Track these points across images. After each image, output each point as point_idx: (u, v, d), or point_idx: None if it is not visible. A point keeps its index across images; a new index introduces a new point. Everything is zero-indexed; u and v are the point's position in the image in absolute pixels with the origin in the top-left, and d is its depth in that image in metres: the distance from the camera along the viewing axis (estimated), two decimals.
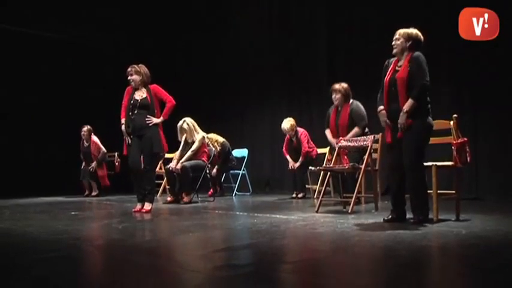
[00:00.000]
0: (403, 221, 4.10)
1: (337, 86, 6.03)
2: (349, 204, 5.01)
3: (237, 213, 5.31)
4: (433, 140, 4.20)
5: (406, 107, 3.94)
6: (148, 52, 9.62)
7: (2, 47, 9.21)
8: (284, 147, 7.79)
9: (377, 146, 5.79)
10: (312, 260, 2.85)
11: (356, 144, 5.43)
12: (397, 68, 4.14)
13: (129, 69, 5.58)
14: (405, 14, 6.84)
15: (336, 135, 5.97)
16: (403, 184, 4.14)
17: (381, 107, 4.19)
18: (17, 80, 9.42)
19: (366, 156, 5.20)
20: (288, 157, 7.70)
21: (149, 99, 5.47)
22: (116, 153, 8.79)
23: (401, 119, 3.97)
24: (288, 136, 7.72)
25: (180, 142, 7.23)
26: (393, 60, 4.23)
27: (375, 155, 5.77)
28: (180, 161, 6.92)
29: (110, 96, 8.63)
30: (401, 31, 4.16)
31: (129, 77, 5.56)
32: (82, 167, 8.87)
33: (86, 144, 8.85)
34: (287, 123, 7.60)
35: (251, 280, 2.35)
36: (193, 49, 10.72)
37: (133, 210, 5.52)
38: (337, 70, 8.44)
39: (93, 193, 8.69)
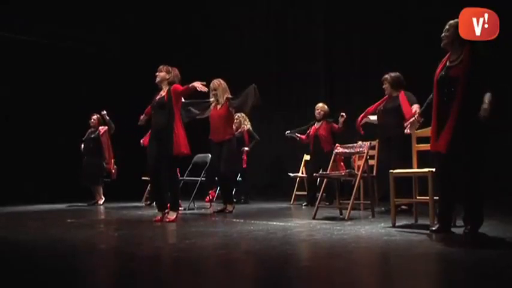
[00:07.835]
0: (450, 232, 3.83)
1: (385, 75, 5.88)
2: (346, 210, 5.02)
3: (234, 220, 5.30)
4: (428, 146, 4.12)
5: (488, 100, 3.54)
6: (146, 53, 9.69)
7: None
8: (305, 136, 7.47)
9: (373, 152, 5.80)
10: (309, 267, 2.85)
11: (353, 151, 5.44)
12: (448, 64, 3.78)
13: (160, 67, 5.29)
14: (405, 15, 6.85)
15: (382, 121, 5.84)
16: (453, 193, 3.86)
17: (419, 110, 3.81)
18: (16, 86, 9.38)
19: (362, 163, 5.21)
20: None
21: (166, 99, 5.14)
22: (113, 160, 8.71)
23: (485, 112, 3.52)
24: (313, 127, 7.36)
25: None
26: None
27: (371, 161, 5.78)
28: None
29: (112, 104, 8.65)
30: (451, 22, 3.80)
31: (156, 73, 5.27)
32: (84, 165, 8.33)
33: (92, 135, 8.37)
34: (323, 104, 7.37)
35: (248, 287, 2.34)
36: (192, 53, 10.74)
37: (154, 220, 5.18)
38: (335, 78, 8.48)
39: (100, 201, 8.29)
